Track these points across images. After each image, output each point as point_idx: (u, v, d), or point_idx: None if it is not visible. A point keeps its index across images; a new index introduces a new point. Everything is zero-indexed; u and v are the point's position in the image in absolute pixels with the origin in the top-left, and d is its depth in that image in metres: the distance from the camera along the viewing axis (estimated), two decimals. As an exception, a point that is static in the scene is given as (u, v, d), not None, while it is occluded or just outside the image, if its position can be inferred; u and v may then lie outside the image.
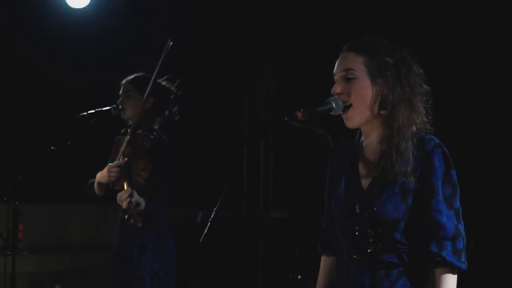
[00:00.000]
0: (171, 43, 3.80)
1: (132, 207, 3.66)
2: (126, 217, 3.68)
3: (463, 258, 2.22)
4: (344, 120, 2.33)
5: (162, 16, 6.39)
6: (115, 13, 6.18)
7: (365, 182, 2.33)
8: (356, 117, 2.31)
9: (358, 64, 2.31)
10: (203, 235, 4.50)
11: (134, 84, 4.00)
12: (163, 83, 4.00)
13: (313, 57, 5.74)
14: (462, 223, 2.26)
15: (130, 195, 3.66)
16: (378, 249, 2.08)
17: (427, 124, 2.34)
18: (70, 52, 6.14)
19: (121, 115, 4.00)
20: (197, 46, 6.57)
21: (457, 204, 2.26)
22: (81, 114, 3.95)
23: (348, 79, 2.31)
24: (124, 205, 3.65)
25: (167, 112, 3.99)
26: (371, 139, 2.37)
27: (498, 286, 5.02)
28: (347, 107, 2.30)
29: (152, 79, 3.85)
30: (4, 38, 5.96)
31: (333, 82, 2.37)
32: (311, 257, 5.74)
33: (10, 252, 3.73)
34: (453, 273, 2.23)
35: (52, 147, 3.81)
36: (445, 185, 2.24)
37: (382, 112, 2.30)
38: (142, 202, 3.69)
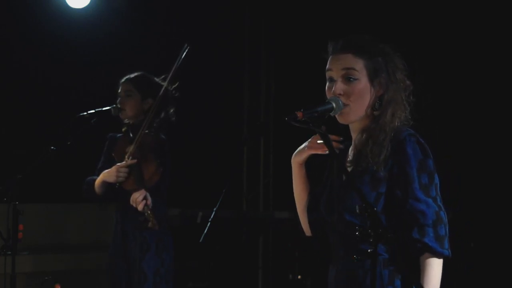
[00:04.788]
0: (188, 47, 3.83)
1: (149, 209, 3.67)
2: (142, 219, 3.70)
3: (446, 245, 2.23)
4: (338, 115, 2.34)
5: (162, 16, 6.38)
6: (115, 13, 6.17)
7: (347, 173, 2.35)
8: (351, 116, 2.35)
9: (359, 66, 2.34)
10: (203, 235, 4.48)
11: (134, 84, 4.00)
12: (163, 84, 4.01)
13: (313, 57, 5.74)
14: (444, 210, 2.27)
15: (145, 197, 3.67)
16: (359, 239, 2.07)
17: (409, 120, 2.38)
18: (70, 52, 6.13)
19: (119, 115, 4.00)
20: (197, 46, 6.57)
21: (434, 192, 2.27)
22: (81, 114, 3.96)
23: (350, 80, 2.33)
24: (140, 207, 3.67)
25: (163, 114, 4.00)
26: (357, 134, 2.40)
27: (498, 286, 5.02)
28: (345, 106, 2.33)
29: (166, 83, 3.88)
30: (4, 38, 5.95)
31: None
32: (311, 257, 5.76)
33: (10, 252, 3.72)
34: (438, 258, 2.23)
35: (52, 147, 3.81)
36: (421, 173, 2.27)
37: (376, 112, 2.35)
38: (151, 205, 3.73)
